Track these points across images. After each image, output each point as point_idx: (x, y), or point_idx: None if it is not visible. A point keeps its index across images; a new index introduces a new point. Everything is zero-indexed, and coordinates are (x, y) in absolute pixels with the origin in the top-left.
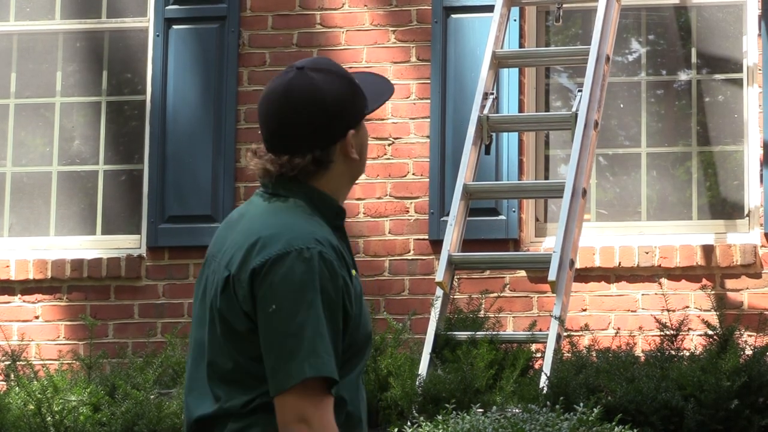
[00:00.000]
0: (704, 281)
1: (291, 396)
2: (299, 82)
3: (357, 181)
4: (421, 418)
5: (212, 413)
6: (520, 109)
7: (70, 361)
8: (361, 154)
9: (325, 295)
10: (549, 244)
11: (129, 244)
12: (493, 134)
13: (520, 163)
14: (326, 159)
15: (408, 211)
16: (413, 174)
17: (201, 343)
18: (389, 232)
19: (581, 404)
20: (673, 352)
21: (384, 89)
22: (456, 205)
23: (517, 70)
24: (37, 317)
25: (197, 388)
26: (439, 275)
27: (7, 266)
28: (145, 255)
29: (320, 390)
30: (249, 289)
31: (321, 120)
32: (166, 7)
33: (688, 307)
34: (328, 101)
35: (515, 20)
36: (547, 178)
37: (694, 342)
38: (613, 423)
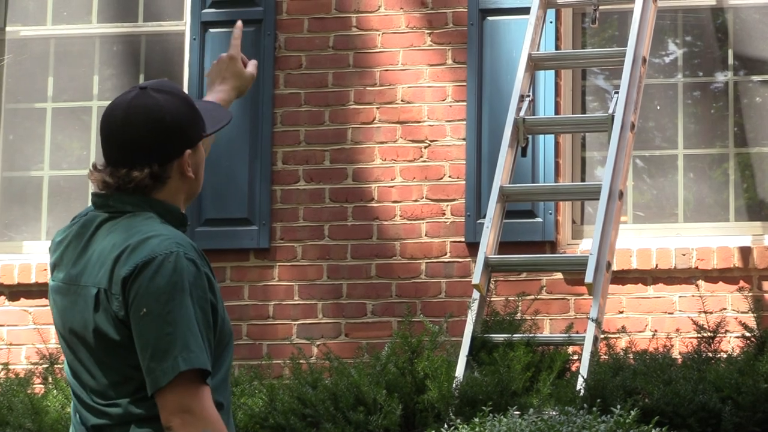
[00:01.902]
0: (741, 283)
1: (169, 392)
2: (141, 100)
3: (393, 183)
4: (458, 421)
5: (111, 423)
6: (557, 111)
7: None
8: (197, 173)
9: (193, 293)
10: (586, 246)
11: None
12: (530, 136)
13: (557, 165)
14: (163, 174)
15: (444, 214)
16: (449, 176)
17: (77, 366)
18: (426, 235)
19: (618, 406)
20: (710, 354)
21: (222, 116)
22: (492, 208)
23: (553, 72)
24: None
25: (87, 405)
26: (476, 278)
27: (45, 269)
28: None
29: (196, 381)
30: (122, 298)
31: (159, 136)
32: (203, 11)
33: (725, 308)
34: (168, 119)
35: (551, 22)
36: (583, 180)
37: (731, 344)
38: (651, 425)
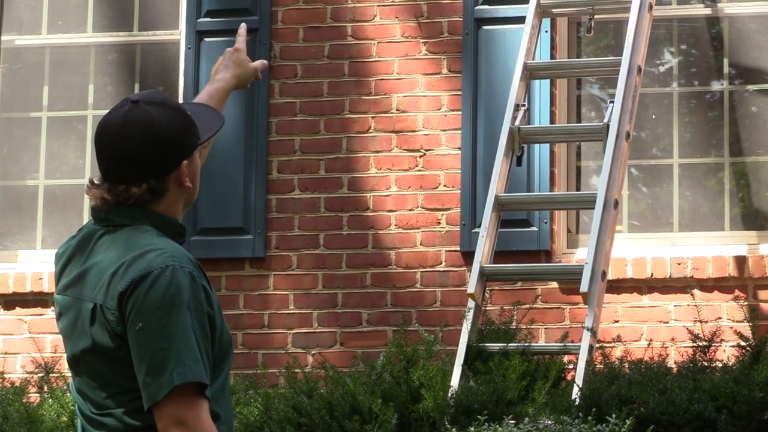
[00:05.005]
0: (737, 292)
1: (165, 405)
2: (134, 114)
3: (388, 192)
4: (453, 430)
5: None
6: (552, 121)
7: None
8: (193, 181)
9: (191, 306)
10: (581, 255)
11: None
12: (525, 145)
13: (552, 174)
14: (161, 188)
15: (440, 223)
16: (445, 185)
17: (78, 379)
18: (421, 244)
19: (614, 416)
20: (705, 364)
21: (215, 120)
22: (487, 217)
23: (548, 81)
24: None
25: (88, 417)
26: (471, 287)
27: (40, 278)
28: None
29: (192, 394)
30: (118, 314)
31: (156, 151)
32: (198, 20)
33: (720, 318)
34: (163, 133)
35: (546, 31)
36: (578, 189)
37: (726, 353)
38: None
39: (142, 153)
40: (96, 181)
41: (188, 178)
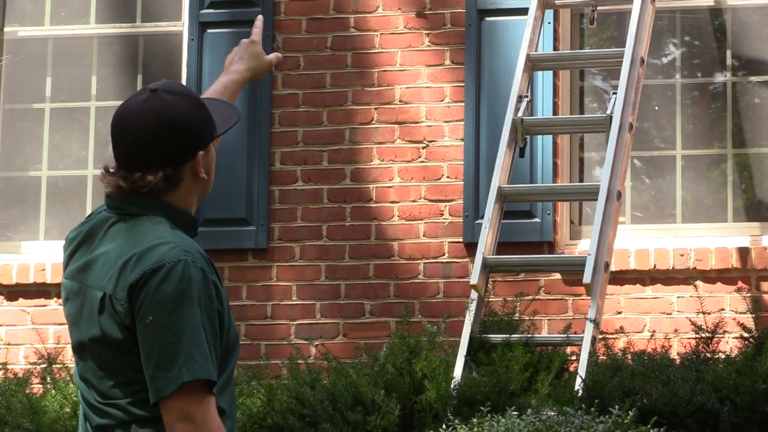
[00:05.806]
0: (740, 284)
1: (172, 400)
2: (153, 103)
3: (391, 184)
4: (456, 421)
5: (114, 423)
6: (555, 112)
7: None
8: (208, 173)
9: (201, 301)
10: (584, 246)
11: None
12: (528, 137)
13: (555, 165)
14: (177, 177)
15: (442, 214)
16: (448, 177)
17: (84, 367)
18: (423, 235)
19: (616, 407)
20: (708, 355)
21: (230, 114)
22: (490, 208)
23: (551, 72)
24: None
25: (92, 405)
26: (474, 278)
27: (43, 269)
28: None
29: (200, 390)
30: (128, 306)
31: (173, 140)
32: (201, 11)
33: (723, 309)
34: (181, 122)
35: (549, 23)
36: (581, 180)
37: (729, 344)
38: (649, 426)
39: (159, 139)
40: (111, 169)
41: (203, 170)
